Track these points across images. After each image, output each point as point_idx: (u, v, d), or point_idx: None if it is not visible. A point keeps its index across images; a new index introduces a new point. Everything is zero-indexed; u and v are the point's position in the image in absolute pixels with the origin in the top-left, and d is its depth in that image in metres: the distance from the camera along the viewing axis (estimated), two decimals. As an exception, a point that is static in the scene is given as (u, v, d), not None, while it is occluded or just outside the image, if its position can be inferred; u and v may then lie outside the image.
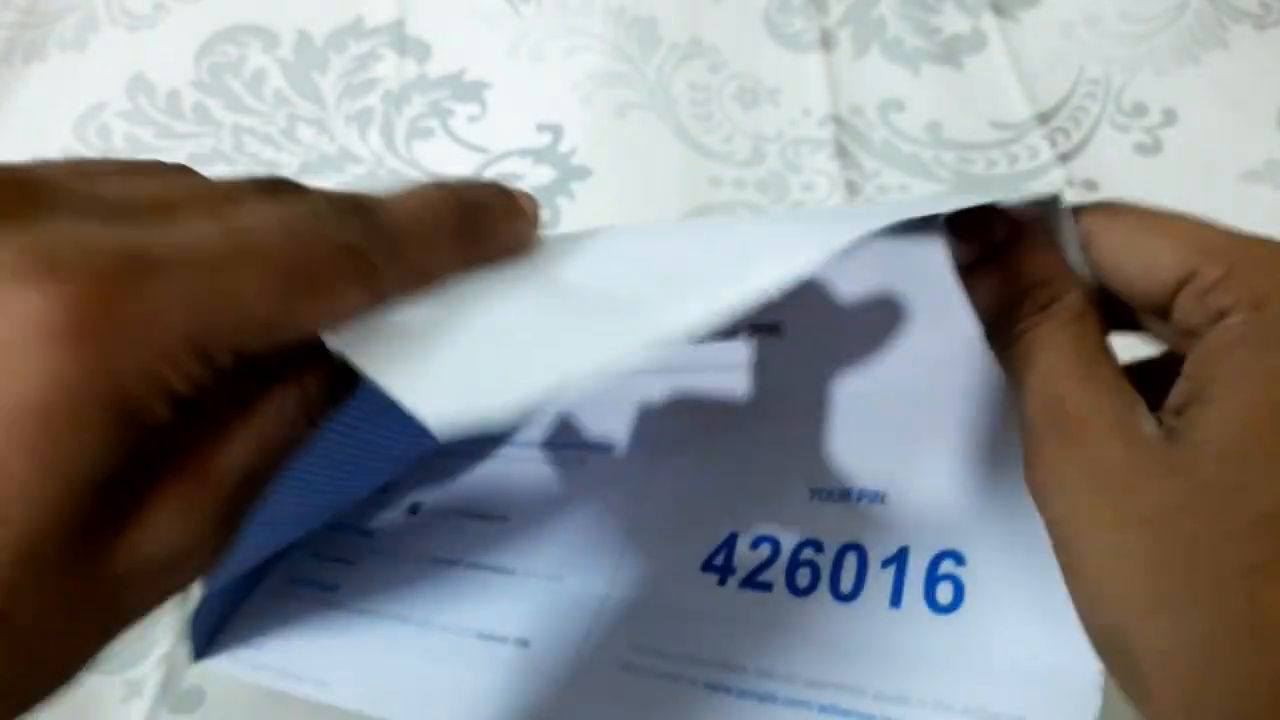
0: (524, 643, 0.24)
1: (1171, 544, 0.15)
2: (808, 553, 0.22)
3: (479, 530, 0.27)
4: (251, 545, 0.24)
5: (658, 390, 0.27)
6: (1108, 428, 0.16)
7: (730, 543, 0.23)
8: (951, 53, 0.49)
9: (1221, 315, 0.16)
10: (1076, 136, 0.46)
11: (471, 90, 0.49)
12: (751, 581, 0.22)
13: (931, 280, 0.20)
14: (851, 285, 0.23)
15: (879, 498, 0.22)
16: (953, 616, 0.19)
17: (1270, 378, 0.15)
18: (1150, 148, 0.45)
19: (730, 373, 0.26)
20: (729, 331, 0.26)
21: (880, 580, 0.21)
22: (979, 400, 0.21)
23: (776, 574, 0.22)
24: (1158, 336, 0.19)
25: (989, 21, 0.50)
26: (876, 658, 0.20)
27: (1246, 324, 0.16)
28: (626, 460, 0.27)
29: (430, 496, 0.29)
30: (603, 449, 0.27)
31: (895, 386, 0.23)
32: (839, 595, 0.21)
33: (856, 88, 0.48)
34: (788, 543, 0.22)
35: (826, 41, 0.50)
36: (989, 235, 0.19)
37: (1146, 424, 0.16)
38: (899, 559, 0.21)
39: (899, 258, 0.22)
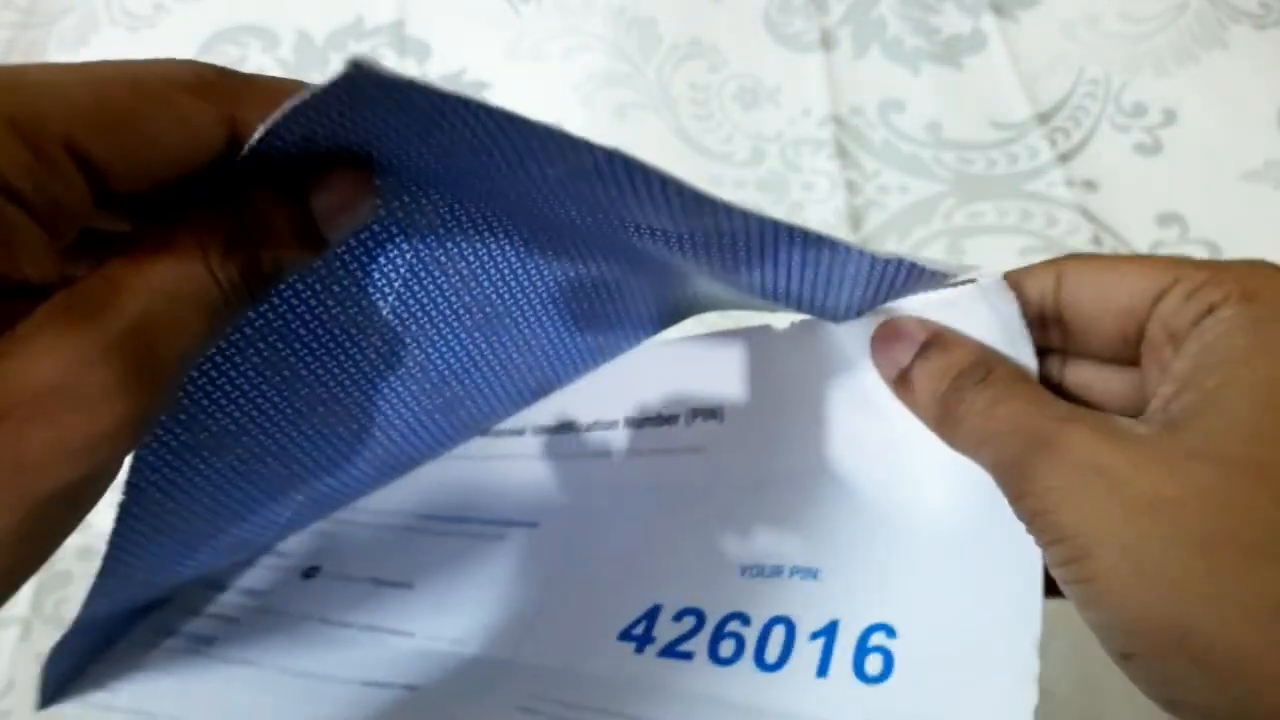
0: (411, 688, 0.24)
1: (1213, 517, 0.15)
2: (734, 625, 0.22)
3: (380, 595, 0.27)
4: (116, 585, 0.24)
5: (595, 473, 0.28)
6: (1091, 433, 0.16)
7: (653, 614, 0.23)
8: (951, 53, 0.49)
9: (1212, 309, 0.17)
10: (1076, 136, 0.46)
11: (471, 90, 0.49)
12: (671, 651, 0.22)
13: (861, 366, 0.22)
14: (789, 369, 0.24)
15: (811, 574, 0.22)
16: (881, 687, 0.19)
17: (1275, 355, 0.16)
18: (1150, 148, 0.45)
19: (669, 456, 0.27)
20: (669, 417, 0.27)
21: (808, 651, 0.21)
22: (914, 479, 0.21)
23: (699, 644, 0.22)
24: (1105, 386, 0.20)
25: (989, 21, 0.50)
26: None
27: (1241, 313, 0.16)
28: (550, 536, 0.27)
29: (329, 562, 0.29)
30: (526, 525, 0.28)
31: (830, 468, 0.23)
32: (763, 665, 0.21)
33: (856, 88, 0.48)
34: (713, 615, 0.23)
35: (826, 41, 0.50)
36: (911, 343, 0.20)
37: (1138, 426, 0.16)
38: (828, 631, 0.21)
39: (833, 343, 0.22)
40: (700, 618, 0.23)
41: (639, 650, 0.23)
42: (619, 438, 0.28)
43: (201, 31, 0.51)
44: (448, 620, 0.26)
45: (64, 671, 0.26)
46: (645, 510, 0.26)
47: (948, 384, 0.19)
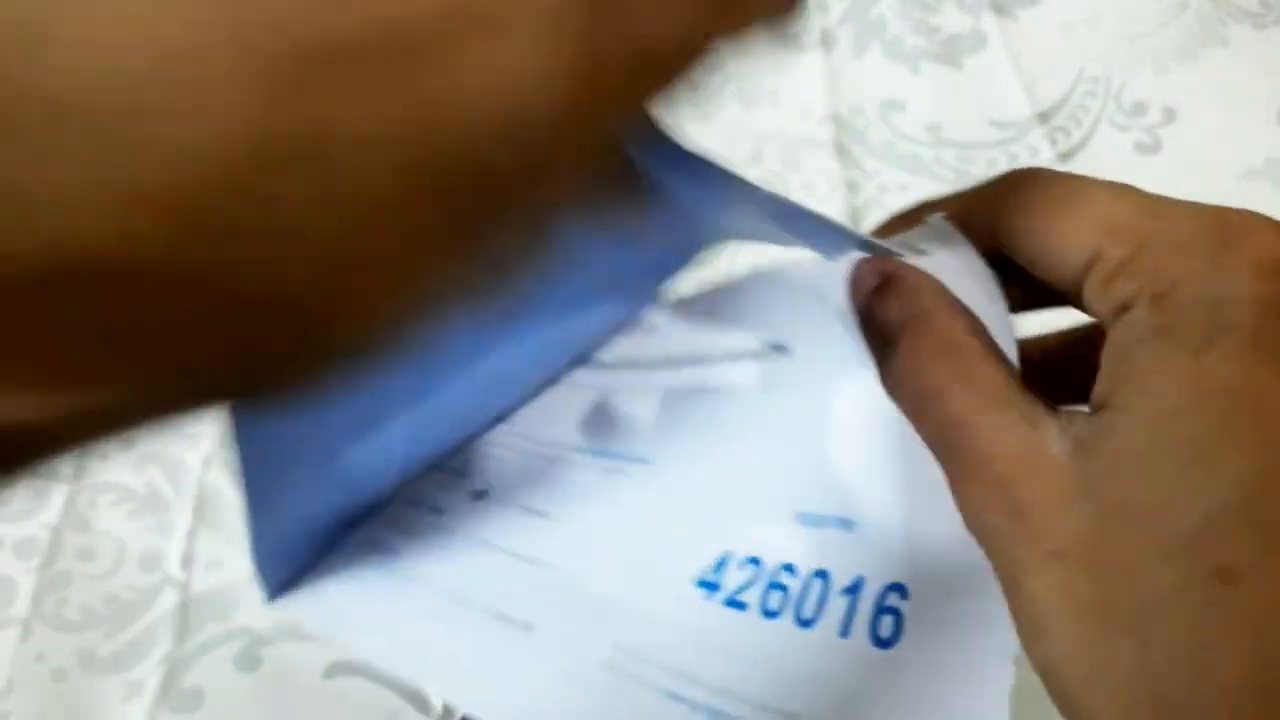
0: (529, 626, 0.25)
1: (1086, 577, 0.14)
2: (784, 576, 0.22)
3: (524, 523, 0.28)
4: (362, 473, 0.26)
5: (682, 407, 0.28)
6: (1014, 461, 0.15)
7: (724, 562, 0.24)
8: (951, 52, 0.49)
9: (1125, 308, 0.15)
10: (1076, 135, 0.46)
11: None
12: (732, 601, 0.23)
13: None
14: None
15: (848, 525, 0.22)
16: (890, 653, 0.20)
17: (1176, 382, 0.14)
18: (1150, 147, 0.45)
19: (739, 391, 0.26)
20: (740, 352, 0.26)
21: (836, 608, 0.21)
22: None
23: (754, 595, 0.22)
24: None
25: (989, 21, 0.50)
26: (821, 689, 0.20)
27: (1149, 320, 0.15)
28: (653, 473, 0.28)
29: (494, 485, 0.30)
30: (639, 461, 0.28)
31: (876, 415, 0.23)
32: (801, 621, 0.21)
33: (856, 87, 0.48)
34: (770, 564, 0.23)
35: (826, 41, 0.50)
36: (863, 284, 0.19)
37: (1054, 443, 0.15)
38: (854, 589, 0.21)
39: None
40: (758, 567, 0.23)
41: (708, 598, 0.23)
42: (705, 374, 0.27)
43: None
44: (568, 549, 0.26)
45: (285, 570, 0.28)
46: (718, 445, 0.26)
47: (886, 338, 0.18)
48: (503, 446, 0.30)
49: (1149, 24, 0.49)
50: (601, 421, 0.30)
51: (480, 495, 0.29)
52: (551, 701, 0.24)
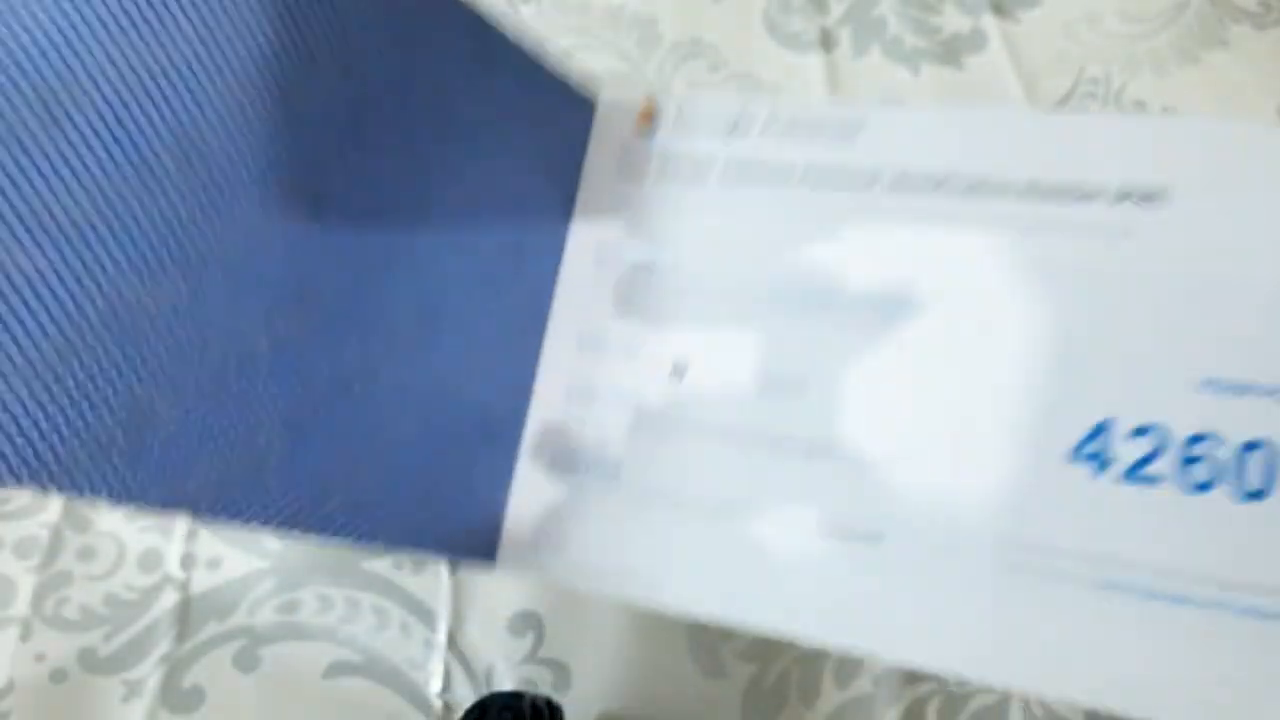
0: (877, 537, 0.22)
1: None
2: (1203, 446, 0.20)
3: (775, 401, 0.24)
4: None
5: (999, 243, 0.24)
6: None
7: (1101, 431, 0.21)
8: (952, 52, 0.49)
9: None
10: (1076, 136, 0.46)
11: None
12: (1135, 475, 0.20)
13: None
14: (1253, 147, 0.22)
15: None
16: None
17: None
18: (1150, 147, 0.45)
19: (1095, 238, 0.23)
20: (1088, 192, 0.23)
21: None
22: None
23: (1167, 467, 0.20)
24: None
25: (989, 21, 0.50)
26: None
27: None
28: (951, 325, 0.23)
29: (696, 354, 0.25)
30: (922, 307, 0.24)
31: None
32: (1245, 493, 0.19)
33: (856, 87, 0.48)
34: (1178, 433, 0.20)
35: (826, 41, 0.50)
36: None
37: None
38: None
39: None
40: (1163, 436, 0.20)
41: (1098, 474, 0.21)
42: (1014, 207, 0.23)
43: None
44: (864, 431, 0.23)
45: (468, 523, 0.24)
46: (1065, 300, 0.23)
47: None
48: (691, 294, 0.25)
49: (1149, 24, 0.49)
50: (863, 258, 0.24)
51: (681, 371, 0.24)
52: (942, 617, 0.20)
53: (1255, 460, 0.20)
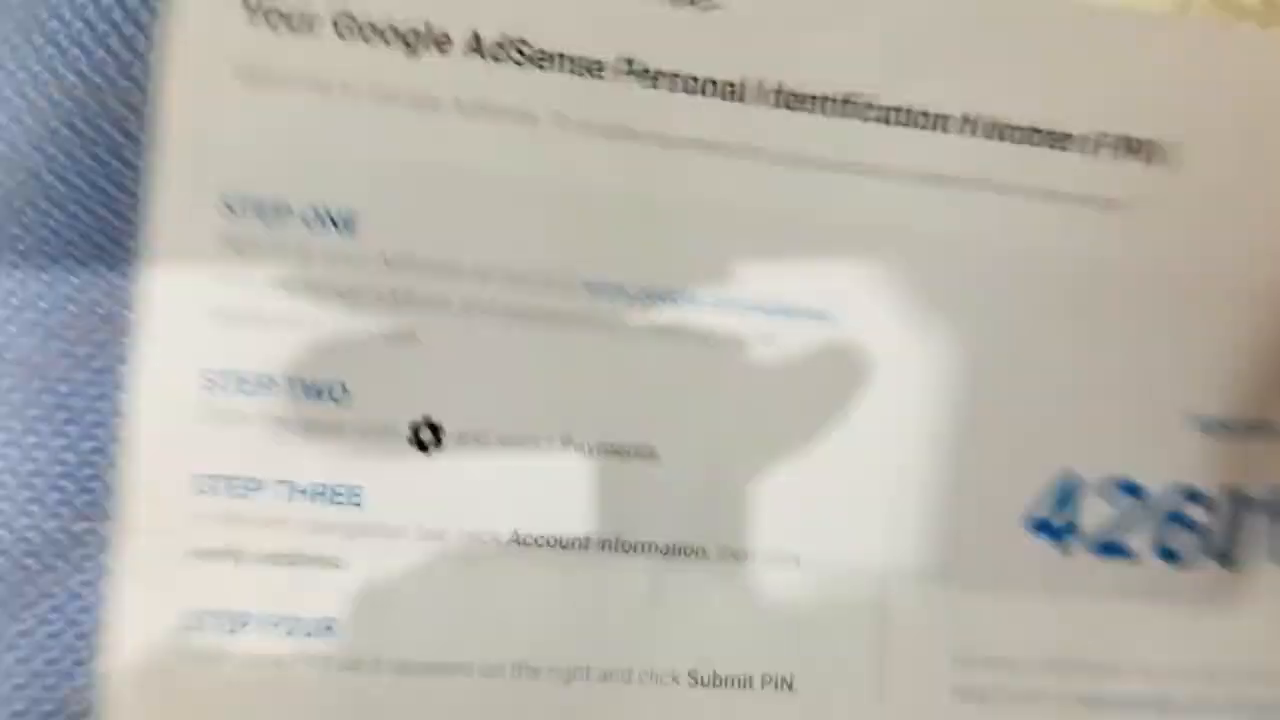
0: (784, 684, 0.17)
1: None
2: (1186, 505, 0.17)
3: (602, 475, 0.17)
4: None
5: (922, 218, 0.18)
6: None
7: (1067, 490, 0.17)
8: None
9: None
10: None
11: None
12: (1106, 546, 0.17)
13: None
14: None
15: (1269, 430, 0.17)
16: None
17: None
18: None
19: (1060, 206, 0.18)
20: (1066, 135, 0.17)
21: (1264, 533, 0.17)
22: None
23: (1141, 535, 0.17)
24: None
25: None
26: (1269, 630, 0.17)
27: None
28: (858, 338, 0.18)
29: (455, 408, 0.17)
30: (817, 318, 0.18)
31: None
32: (1223, 558, 0.17)
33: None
34: (1157, 491, 0.17)
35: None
36: None
37: None
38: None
39: None
40: (1139, 495, 0.17)
41: (1060, 547, 0.17)
42: (960, 148, 0.18)
43: None
44: (745, 514, 0.18)
45: None
46: (1021, 316, 0.18)
47: None
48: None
49: (1162, 19, 0.49)
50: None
51: (431, 436, 0.17)
52: None
53: (1237, 516, 0.18)
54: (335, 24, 0.17)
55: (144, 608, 0.16)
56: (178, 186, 0.16)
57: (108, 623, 0.16)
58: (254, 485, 0.16)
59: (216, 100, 0.16)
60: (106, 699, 0.15)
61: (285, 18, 0.17)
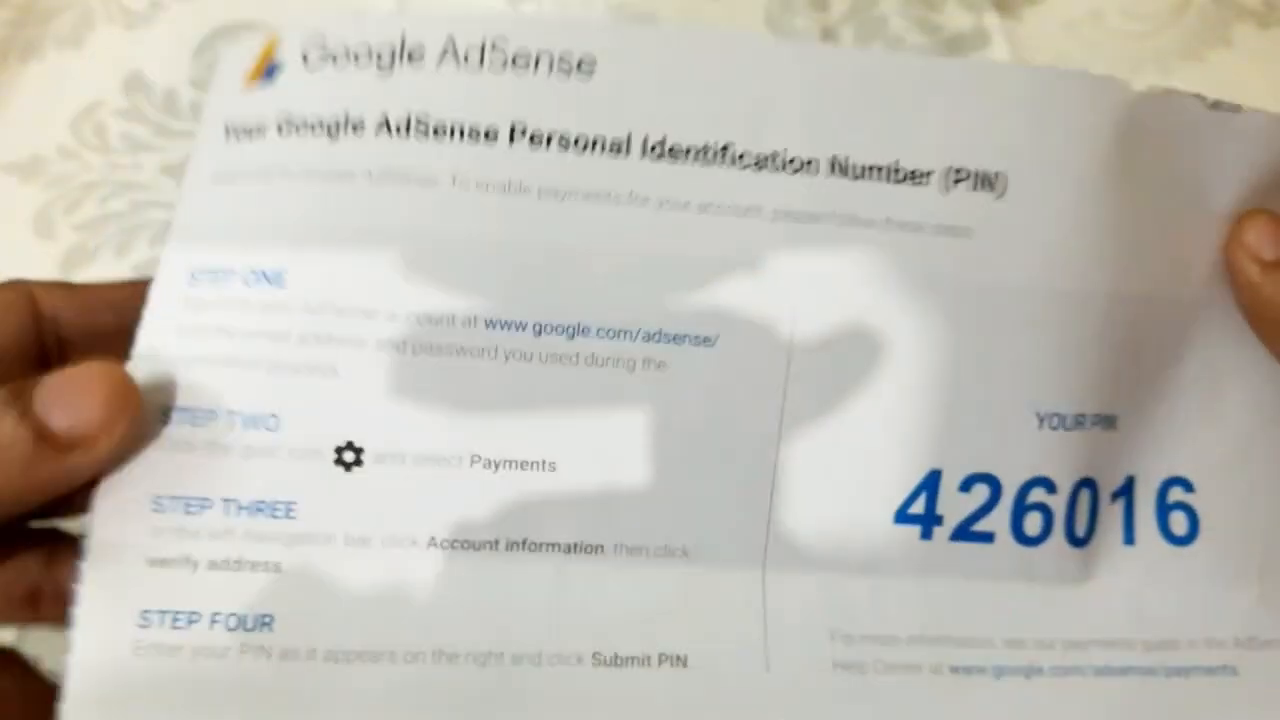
0: (679, 662, 0.19)
1: None
2: (1037, 493, 0.19)
3: (508, 487, 0.20)
4: None
5: (792, 251, 0.20)
6: None
7: (931, 484, 0.19)
8: (954, 51, 0.49)
9: None
10: (1079, 135, 0.45)
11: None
12: (966, 532, 0.19)
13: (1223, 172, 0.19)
14: (1131, 143, 0.20)
15: (1109, 422, 0.19)
16: (1190, 548, 0.18)
17: None
18: (1154, 146, 0.45)
19: (913, 234, 0.19)
20: (916, 174, 0.19)
21: (1110, 516, 0.19)
22: (1214, 319, 0.19)
23: (999, 521, 0.19)
24: None
25: (992, 20, 0.50)
26: (1121, 603, 0.18)
27: None
28: (743, 362, 0.20)
29: (373, 431, 0.20)
30: (699, 342, 0.20)
31: (1140, 290, 0.19)
32: (1074, 539, 0.19)
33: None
34: (1011, 482, 0.19)
35: (828, 38, 0.49)
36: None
37: None
38: (1125, 490, 0.19)
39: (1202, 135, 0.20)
40: (995, 486, 0.19)
41: (926, 535, 0.19)
42: (826, 189, 0.19)
43: (199, 29, 0.51)
44: (635, 515, 0.20)
45: None
46: (883, 318, 0.19)
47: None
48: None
49: (1152, 23, 0.49)
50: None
51: (353, 456, 0.20)
52: None
53: (1083, 501, 0.19)
54: (278, 127, 0.20)
55: (109, 607, 0.18)
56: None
57: (78, 619, 0.18)
58: (203, 503, 0.19)
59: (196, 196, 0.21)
60: (71, 687, 0.18)
61: (246, 131, 0.21)
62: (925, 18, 0.50)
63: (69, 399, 0.18)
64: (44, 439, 0.18)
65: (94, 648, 0.18)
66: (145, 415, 0.19)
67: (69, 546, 0.21)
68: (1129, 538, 0.19)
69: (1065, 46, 0.49)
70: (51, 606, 0.21)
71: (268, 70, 0.21)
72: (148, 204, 0.45)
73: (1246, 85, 0.46)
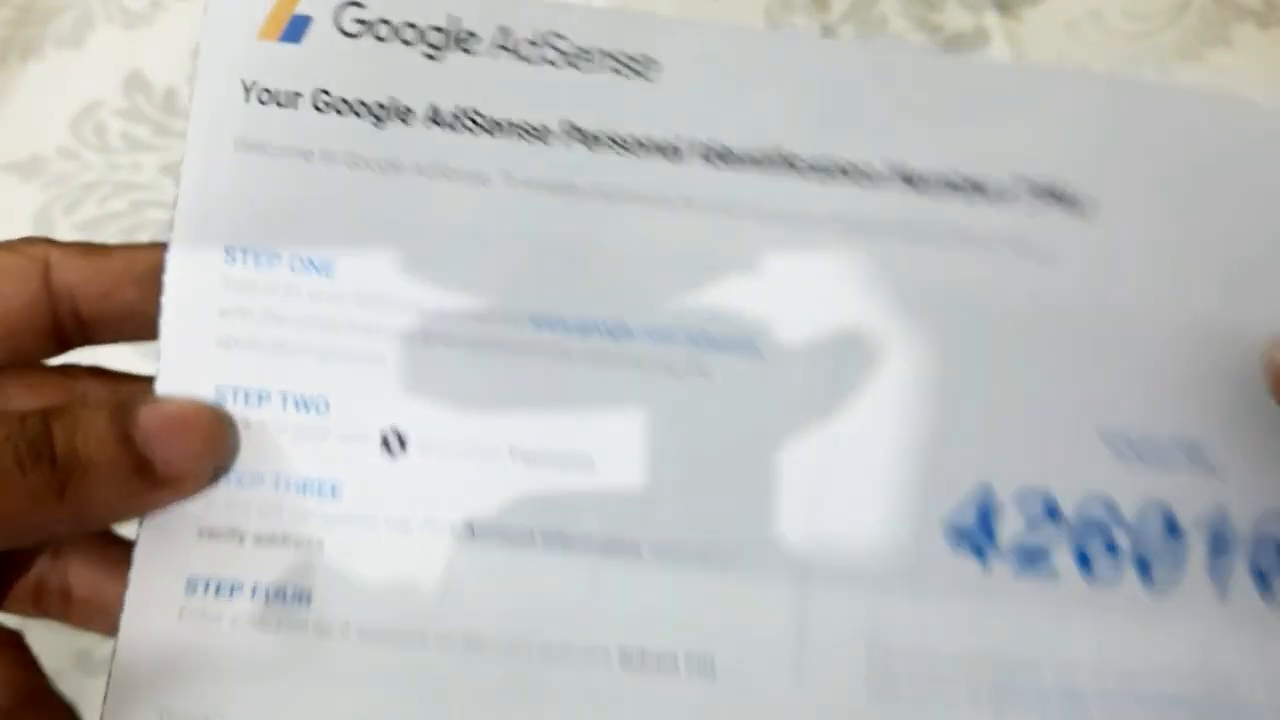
0: (707, 668, 0.19)
1: None
2: (1100, 515, 0.18)
3: (545, 482, 0.20)
4: None
5: (845, 261, 0.19)
6: None
7: (983, 499, 0.19)
8: (954, 50, 0.49)
9: None
10: (1079, 135, 0.45)
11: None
12: (1028, 560, 0.18)
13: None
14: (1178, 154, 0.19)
15: (1194, 451, 0.18)
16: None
17: None
18: (1154, 146, 0.45)
19: (988, 251, 0.19)
20: (995, 190, 0.19)
21: (1194, 552, 0.18)
22: None
23: (1056, 541, 0.18)
24: None
25: (991, 19, 0.50)
26: (1190, 643, 0.17)
27: None
28: (789, 370, 0.20)
29: (418, 420, 0.20)
30: (745, 349, 0.20)
31: (1234, 316, 0.19)
32: (1145, 572, 0.18)
33: (858, 86, 0.48)
34: (1070, 500, 0.18)
35: (827, 38, 0.49)
36: None
37: None
38: (1212, 524, 0.18)
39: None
40: (1052, 504, 0.18)
41: (982, 561, 0.18)
42: (891, 199, 0.19)
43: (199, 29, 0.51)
44: (676, 521, 0.20)
45: None
46: (942, 333, 0.19)
47: None
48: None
49: (1152, 22, 0.49)
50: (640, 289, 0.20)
51: (397, 443, 0.20)
52: None
53: (1154, 526, 0.18)
54: (314, 101, 0.20)
55: (159, 572, 0.19)
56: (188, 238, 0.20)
57: (130, 580, 0.20)
58: (256, 479, 0.19)
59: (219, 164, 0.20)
60: (121, 642, 0.20)
61: (273, 95, 0.20)
62: (925, 17, 0.50)
63: (172, 437, 0.18)
64: (141, 472, 0.18)
65: (142, 609, 0.19)
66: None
67: (76, 544, 0.21)
68: (1217, 579, 0.18)
69: (1065, 46, 0.48)
70: (54, 602, 0.21)
71: (290, 24, 0.20)
72: (148, 204, 0.45)
73: (1246, 85, 0.46)
